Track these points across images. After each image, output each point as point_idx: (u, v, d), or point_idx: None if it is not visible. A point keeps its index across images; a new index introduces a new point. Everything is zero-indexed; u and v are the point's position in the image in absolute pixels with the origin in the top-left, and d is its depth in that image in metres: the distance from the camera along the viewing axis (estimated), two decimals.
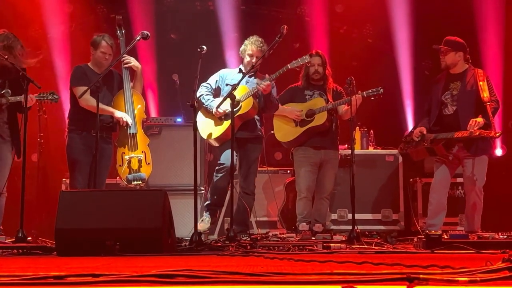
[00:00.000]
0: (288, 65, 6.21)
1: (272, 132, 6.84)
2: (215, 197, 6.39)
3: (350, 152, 6.15)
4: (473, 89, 6.10)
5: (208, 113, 6.38)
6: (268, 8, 9.14)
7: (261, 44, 6.32)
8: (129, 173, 6.00)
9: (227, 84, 6.38)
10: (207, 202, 6.46)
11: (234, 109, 5.95)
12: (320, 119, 6.53)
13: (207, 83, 6.45)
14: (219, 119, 6.32)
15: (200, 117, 6.40)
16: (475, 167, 6.12)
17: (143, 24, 8.47)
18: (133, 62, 6.14)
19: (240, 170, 6.47)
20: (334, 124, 6.63)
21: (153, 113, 8.70)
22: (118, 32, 6.25)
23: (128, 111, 6.06)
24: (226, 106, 6.17)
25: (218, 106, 6.19)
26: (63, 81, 7.93)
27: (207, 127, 6.39)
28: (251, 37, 6.42)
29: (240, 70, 6.44)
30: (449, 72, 6.32)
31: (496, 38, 8.19)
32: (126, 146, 6.02)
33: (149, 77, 8.90)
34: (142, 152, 6.07)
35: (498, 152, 8.41)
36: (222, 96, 6.25)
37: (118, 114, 6.01)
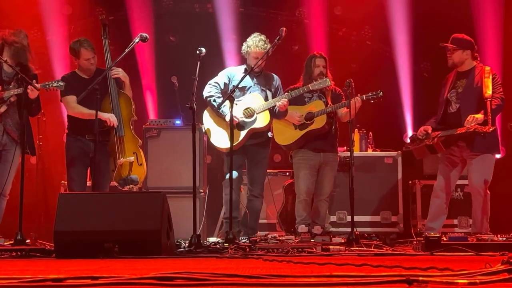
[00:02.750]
0: (310, 85, 6.33)
1: (271, 135, 6.83)
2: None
3: (349, 154, 6.15)
4: (478, 86, 6.04)
5: (218, 117, 6.27)
6: (267, 10, 9.14)
7: (265, 45, 6.25)
8: (121, 177, 5.99)
9: (235, 86, 6.24)
10: (225, 216, 6.31)
11: (249, 120, 6.14)
12: (319, 122, 6.52)
13: (216, 82, 6.31)
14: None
15: (209, 120, 6.32)
16: (478, 166, 6.05)
17: (142, 26, 8.47)
18: (121, 73, 6.10)
19: (248, 173, 6.45)
20: (333, 127, 6.63)
21: (152, 116, 8.69)
22: (102, 32, 6.20)
23: (115, 114, 6.03)
24: (240, 113, 6.11)
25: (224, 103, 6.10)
26: None
27: (219, 135, 6.29)
28: (253, 36, 6.33)
29: (246, 71, 6.33)
30: (457, 71, 6.29)
31: (495, 40, 8.19)
32: (116, 150, 6.00)
33: (148, 79, 8.90)
34: (133, 153, 6.04)
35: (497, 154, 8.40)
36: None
37: (104, 115, 5.95)
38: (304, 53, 6.96)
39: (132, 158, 6.00)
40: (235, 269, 2.90)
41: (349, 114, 6.14)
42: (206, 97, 6.26)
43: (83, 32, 7.90)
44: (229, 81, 6.37)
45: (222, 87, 6.33)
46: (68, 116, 6.21)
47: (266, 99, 6.32)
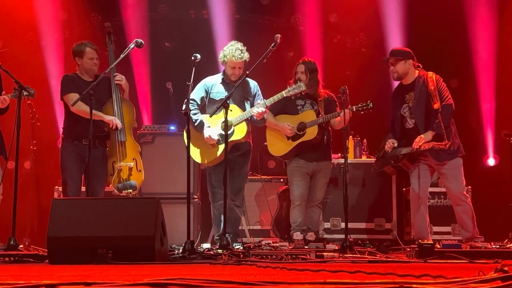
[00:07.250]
0: (283, 92, 6.22)
1: (265, 144, 6.83)
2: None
3: (343, 161, 6.15)
4: (425, 98, 6.10)
5: (197, 133, 6.26)
6: (262, 17, 9.16)
7: (242, 54, 6.23)
8: (119, 182, 5.99)
9: (212, 99, 6.31)
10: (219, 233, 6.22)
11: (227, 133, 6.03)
12: (311, 133, 6.52)
13: (192, 99, 6.27)
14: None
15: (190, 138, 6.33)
16: (450, 174, 6.14)
17: (137, 32, 8.48)
18: (123, 81, 6.14)
19: (230, 183, 6.43)
20: (325, 137, 6.61)
21: (147, 121, 8.69)
22: (107, 39, 6.24)
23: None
24: (219, 130, 6.09)
25: (211, 114, 6.16)
26: (56, 89, 7.92)
27: (198, 150, 6.31)
28: (230, 45, 6.32)
29: (223, 81, 6.35)
30: (402, 84, 6.34)
31: (489, 47, 8.23)
32: (116, 154, 6.01)
33: (143, 85, 8.90)
34: (133, 159, 6.06)
35: (491, 162, 8.44)
36: (209, 111, 6.23)
37: (107, 117, 5.99)
38: (298, 60, 6.96)
39: (131, 164, 6.02)
40: (229, 276, 2.89)
41: (341, 123, 6.16)
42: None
43: (78, 37, 7.87)
44: (207, 93, 6.37)
45: (199, 102, 6.35)
46: (65, 120, 6.20)
47: (244, 109, 6.27)
